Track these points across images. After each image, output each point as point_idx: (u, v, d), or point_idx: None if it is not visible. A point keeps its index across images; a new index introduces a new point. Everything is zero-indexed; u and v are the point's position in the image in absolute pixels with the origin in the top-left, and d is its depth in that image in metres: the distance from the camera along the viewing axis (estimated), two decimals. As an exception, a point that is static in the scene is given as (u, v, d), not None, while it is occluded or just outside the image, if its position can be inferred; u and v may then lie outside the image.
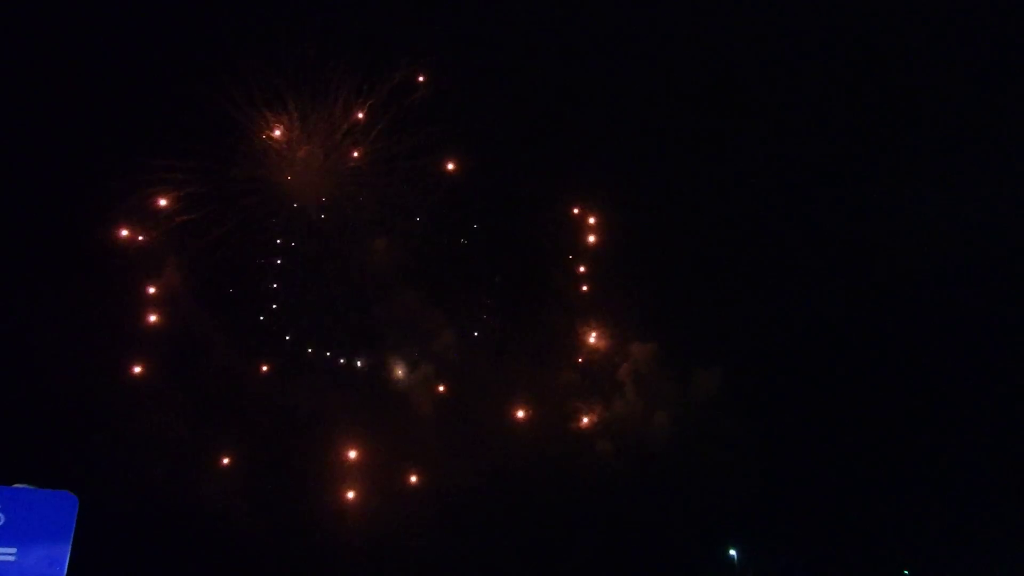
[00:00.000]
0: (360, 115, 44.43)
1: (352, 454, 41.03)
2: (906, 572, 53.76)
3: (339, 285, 43.74)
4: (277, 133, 42.33)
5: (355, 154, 44.80)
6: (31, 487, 7.11)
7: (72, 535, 7.17)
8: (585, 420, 52.61)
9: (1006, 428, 59.17)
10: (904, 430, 60.96)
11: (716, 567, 54.90)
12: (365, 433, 42.38)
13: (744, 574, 55.21)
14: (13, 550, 6.77)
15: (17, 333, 33.63)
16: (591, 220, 57.87)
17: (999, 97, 60.70)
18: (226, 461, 36.73)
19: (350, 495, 41.03)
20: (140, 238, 37.80)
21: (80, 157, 36.63)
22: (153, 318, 36.88)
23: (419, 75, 45.94)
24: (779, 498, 58.33)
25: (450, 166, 48.85)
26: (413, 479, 44.69)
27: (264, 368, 40.45)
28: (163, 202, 38.65)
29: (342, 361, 44.02)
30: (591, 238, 58.07)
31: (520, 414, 49.68)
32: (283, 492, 37.95)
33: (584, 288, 57.21)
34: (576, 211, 57.56)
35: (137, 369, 35.79)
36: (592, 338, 55.42)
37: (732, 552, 54.80)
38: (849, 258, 65.36)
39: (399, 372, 45.47)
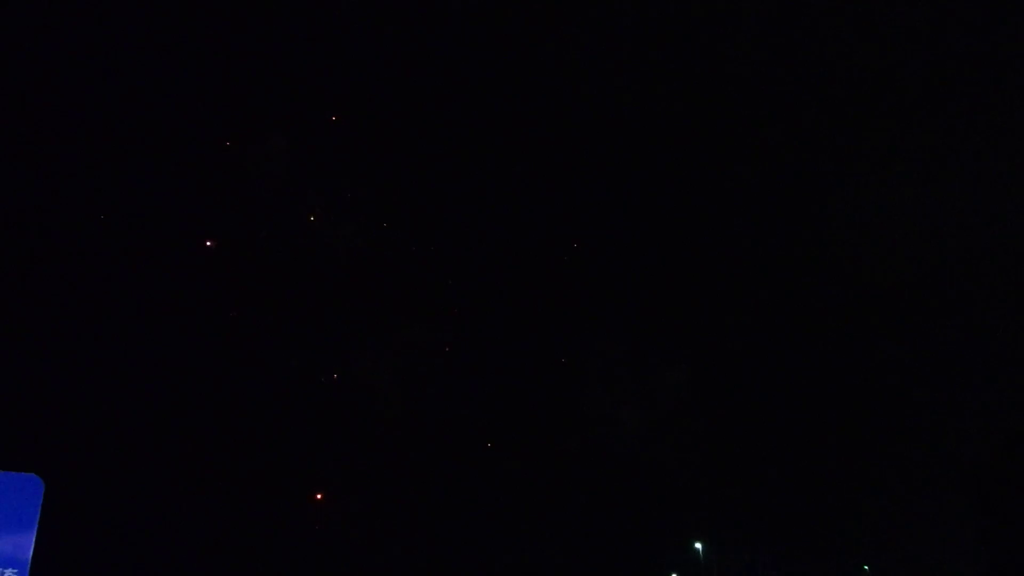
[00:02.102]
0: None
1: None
2: (866, 567, 54.68)
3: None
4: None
5: None
6: (-4, 470, 7.13)
7: (38, 519, 7.22)
8: (553, 417, 52.85)
9: (961, 432, 60.24)
10: (867, 429, 61.85)
11: (682, 561, 55.43)
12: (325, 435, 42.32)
13: (709, 568, 55.79)
14: (-22, 534, 6.83)
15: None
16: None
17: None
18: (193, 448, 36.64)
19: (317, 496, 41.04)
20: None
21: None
22: (122, 303, 36.67)
23: None
24: (744, 494, 59.05)
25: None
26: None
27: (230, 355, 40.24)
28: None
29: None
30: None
31: (491, 411, 49.86)
32: (247, 480, 37.84)
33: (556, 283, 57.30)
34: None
35: (105, 351, 35.62)
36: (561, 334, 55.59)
37: (698, 546, 55.34)
38: (819, 259, 66.09)
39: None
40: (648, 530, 51.99)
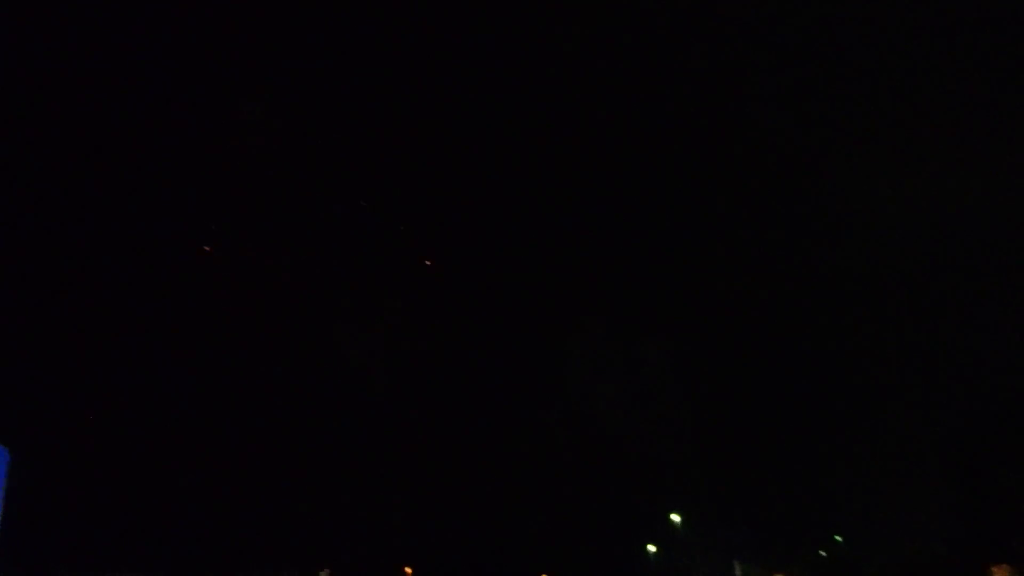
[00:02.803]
0: None
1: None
2: (838, 537, 55.32)
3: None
4: None
5: None
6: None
7: (3, 487, 7.20)
8: (534, 392, 52.99)
9: (933, 406, 61.00)
10: (842, 404, 62.49)
11: (659, 533, 55.93)
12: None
13: (686, 541, 56.34)
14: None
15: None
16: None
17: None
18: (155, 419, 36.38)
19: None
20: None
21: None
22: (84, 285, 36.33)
23: None
24: (721, 468, 59.56)
25: None
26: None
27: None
28: None
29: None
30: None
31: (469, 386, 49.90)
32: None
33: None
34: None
35: (70, 324, 35.29)
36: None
37: (675, 518, 55.85)
38: (798, 238, 66.39)
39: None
40: (626, 503, 52.41)
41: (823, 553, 51.05)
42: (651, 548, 55.99)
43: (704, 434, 59.12)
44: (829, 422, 62.03)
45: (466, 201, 58.59)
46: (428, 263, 52.49)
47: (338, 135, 48.49)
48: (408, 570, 47.94)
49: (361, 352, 46.11)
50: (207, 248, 39.93)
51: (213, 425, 38.39)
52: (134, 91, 38.38)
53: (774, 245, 64.97)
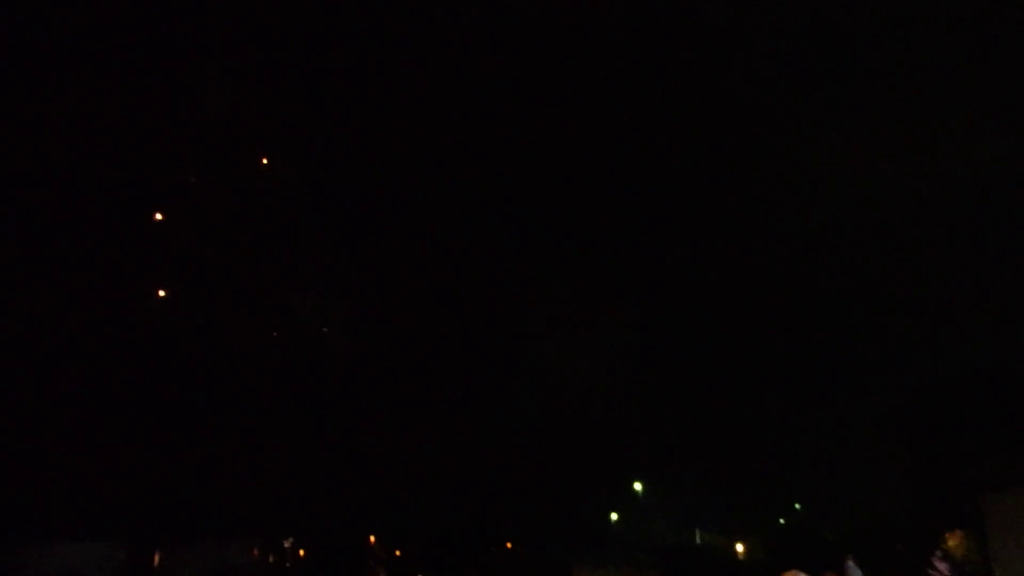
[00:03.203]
0: None
1: None
2: (797, 505, 56.46)
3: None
4: None
5: None
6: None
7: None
8: (497, 358, 53.10)
9: (889, 376, 62.26)
10: (800, 373, 63.52)
11: (621, 500, 56.64)
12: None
13: (648, 509, 57.11)
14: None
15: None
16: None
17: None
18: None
19: None
20: None
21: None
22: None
23: None
24: (683, 437, 60.34)
25: None
26: None
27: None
28: None
29: None
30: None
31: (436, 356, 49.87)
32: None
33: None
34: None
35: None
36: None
37: (637, 487, 56.56)
38: (760, 202, 67.04)
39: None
40: (589, 471, 52.93)
41: (783, 521, 52.07)
42: (613, 516, 56.73)
43: (666, 403, 59.80)
44: (788, 392, 63.04)
45: (430, 170, 58.24)
46: (395, 239, 52.21)
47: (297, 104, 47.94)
48: (372, 539, 48.06)
49: (322, 318, 45.78)
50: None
51: (171, 390, 37.85)
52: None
53: (735, 215, 65.56)
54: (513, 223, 60.38)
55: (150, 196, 38.48)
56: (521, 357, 54.99)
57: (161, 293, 38.92)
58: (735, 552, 48.22)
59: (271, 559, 44.55)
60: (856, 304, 64.84)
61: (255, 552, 40.04)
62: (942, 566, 11.74)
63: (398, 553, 49.70)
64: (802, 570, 13.95)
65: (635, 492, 56.29)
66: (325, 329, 45.87)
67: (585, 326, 56.91)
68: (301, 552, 46.69)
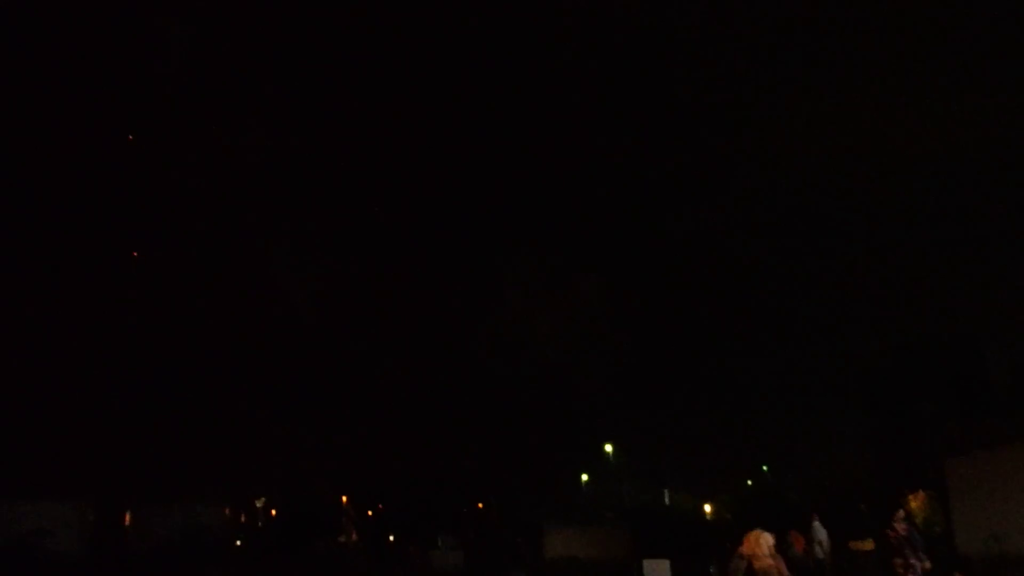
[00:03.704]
0: None
1: None
2: (764, 467, 57.46)
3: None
4: None
5: None
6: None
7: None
8: (468, 323, 53.11)
9: (852, 342, 63.18)
10: (767, 339, 64.29)
11: (592, 462, 57.21)
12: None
13: (618, 470, 57.76)
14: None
15: None
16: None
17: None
18: None
19: None
20: None
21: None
22: None
23: None
24: (652, 400, 60.99)
25: None
26: None
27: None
28: None
29: None
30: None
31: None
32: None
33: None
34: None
35: None
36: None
37: (607, 448, 57.10)
38: (729, 170, 67.32)
39: None
40: (559, 433, 53.30)
41: (750, 482, 52.93)
42: (583, 477, 57.32)
43: (635, 367, 60.27)
44: (755, 357, 63.78)
45: (402, 136, 57.75)
46: (369, 208, 51.86)
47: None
48: (344, 499, 48.27)
49: (293, 280, 45.50)
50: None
51: (143, 350, 37.54)
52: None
53: (705, 183, 65.82)
54: (484, 189, 60.14)
55: (121, 165, 37.91)
56: (492, 320, 55.06)
57: (134, 254, 38.43)
58: (703, 512, 48.99)
59: (243, 519, 44.62)
60: (821, 271, 65.60)
61: (227, 512, 40.06)
62: (903, 526, 12.01)
63: (370, 513, 50.00)
64: (768, 529, 14.19)
65: (605, 454, 56.84)
66: (297, 291, 45.56)
67: (555, 290, 57.08)
68: (273, 512, 46.82)
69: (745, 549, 14.30)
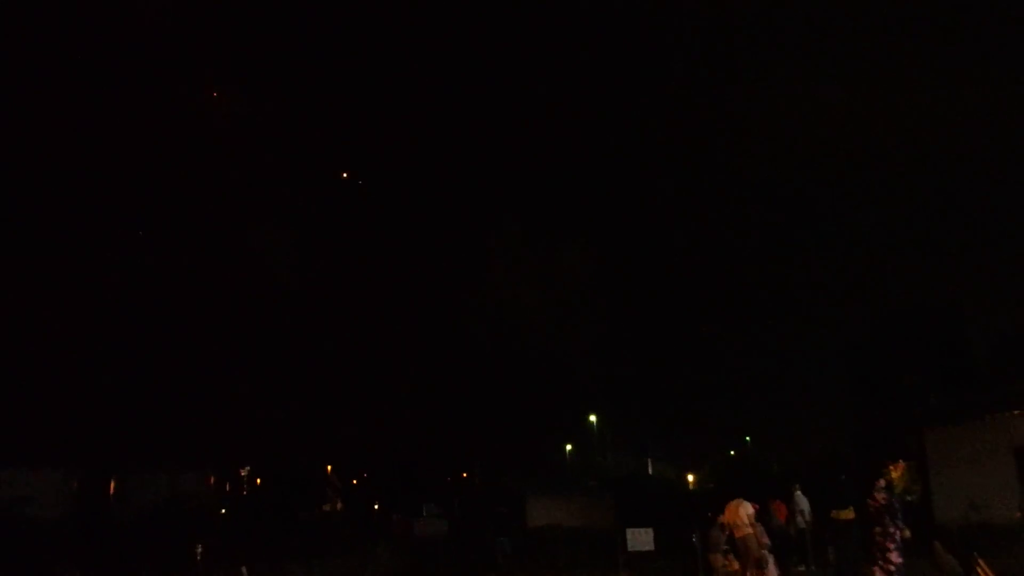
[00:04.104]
0: None
1: None
2: (747, 438, 58.02)
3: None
4: None
5: None
6: None
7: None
8: (454, 294, 53.07)
9: (837, 316, 63.43)
10: (753, 312, 64.50)
11: (576, 434, 57.54)
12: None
13: (602, 440, 58.17)
14: None
15: None
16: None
17: None
18: None
19: None
20: None
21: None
22: None
23: None
24: (637, 372, 61.20)
25: None
26: None
27: None
28: None
29: None
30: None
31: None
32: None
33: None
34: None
35: None
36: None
37: (591, 418, 57.46)
38: (714, 142, 67.16)
39: None
40: (545, 404, 53.51)
41: (732, 453, 53.41)
42: (568, 447, 57.67)
43: (621, 339, 60.42)
44: (740, 330, 64.01)
45: (387, 109, 57.25)
46: (346, 175, 51.54)
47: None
48: (328, 468, 48.34)
49: (277, 247, 45.28)
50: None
51: (126, 319, 37.33)
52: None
53: (696, 148, 65.70)
54: (470, 161, 59.81)
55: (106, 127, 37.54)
56: (477, 291, 55.03)
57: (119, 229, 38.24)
58: (686, 482, 49.46)
59: (227, 487, 44.64)
60: (806, 246, 65.72)
61: (211, 480, 40.06)
62: (883, 496, 12.12)
63: (355, 482, 50.14)
64: (750, 499, 14.29)
65: (589, 424, 57.18)
66: (281, 262, 45.38)
67: (540, 261, 57.05)
68: (258, 481, 46.87)
69: (726, 518, 14.42)
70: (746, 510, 14.09)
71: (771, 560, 13.98)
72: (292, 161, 47.60)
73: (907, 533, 11.90)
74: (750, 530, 13.91)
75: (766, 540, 14.01)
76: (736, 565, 14.75)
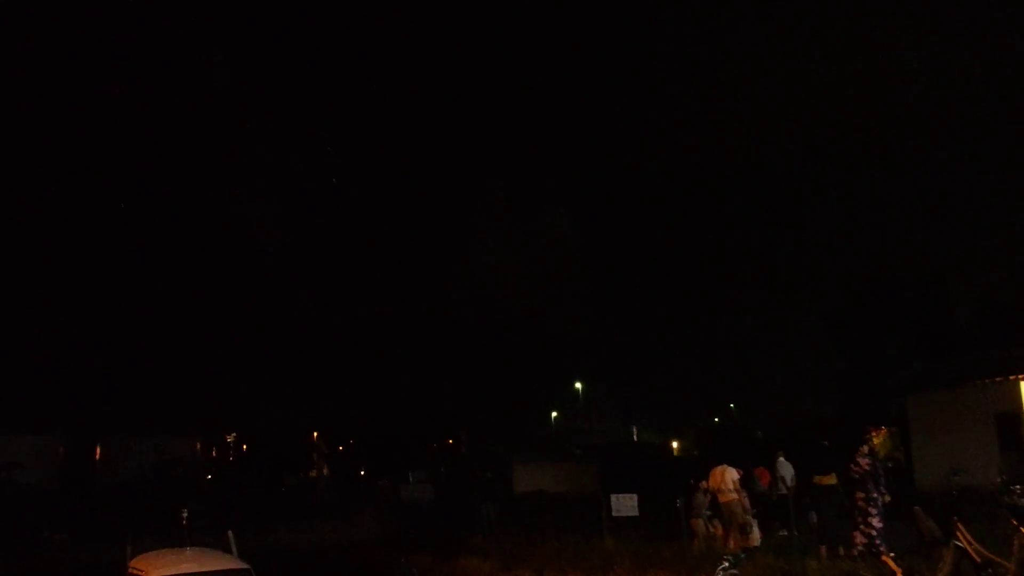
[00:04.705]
0: None
1: None
2: (732, 405, 58.45)
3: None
4: None
5: None
6: None
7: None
8: (438, 262, 52.99)
9: (821, 284, 63.70)
10: (736, 278, 64.64)
11: (562, 401, 57.86)
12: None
13: (587, 408, 58.47)
14: None
15: None
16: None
17: None
18: None
19: None
20: None
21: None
22: None
23: None
24: (621, 340, 61.40)
25: None
26: None
27: None
28: None
29: None
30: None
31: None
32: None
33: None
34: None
35: None
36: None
37: (578, 386, 57.75)
38: (698, 108, 66.90)
39: None
40: (531, 371, 53.74)
41: (717, 420, 53.84)
42: (553, 414, 58.00)
43: (606, 306, 60.57)
44: (724, 298, 64.21)
45: (371, 67, 56.61)
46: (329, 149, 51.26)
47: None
48: (315, 434, 48.52)
49: (267, 224, 45.08)
50: None
51: (115, 285, 37.15)
52: None
53: (679, 114, 65.47)
54: (453, 127, 59.33)
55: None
56: (463, 258, 55.02)
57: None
58: (670, 448, 49.81)
59: (214, 453, 44.76)
60: (790, 212, 65.74)
61: (198, 446, 40.12)
62: (866, 461, 12.24)
63: (341, 448, 50.34)
64: (734, 466, 14.41)
65: (575, 391, 57.46)
66: (266, 228, 45.15)
67: (525, 229, 57.00)
68: (244, 447, 47.00)
69: (710, 484, 14.54)
70: (732, 476, 14.23)
71: (755, 525, 14.14)
72: (276, 130, 47.22)
73: (887, 498, 12.04)
74: (735, 496, 14.05)
75: (749, 505, 14.17)
76: (720, 530, 14.92)
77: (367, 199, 51.35)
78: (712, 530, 15.40)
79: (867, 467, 12.10)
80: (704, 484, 14.90)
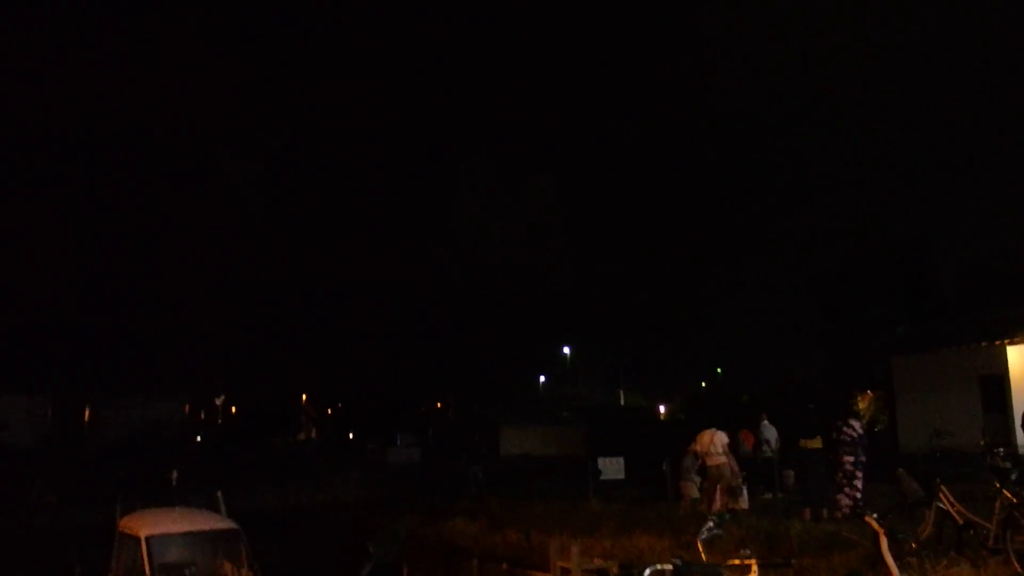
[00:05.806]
0: None
1: None
2: (719, 369, 58.72)
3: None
4: None
5: None
6: None
7: None
8: (425, 225, 52.84)
9: (805, 246, 63.89)
10: (722, 242, 64.75)
11: (550, 363, 58.03)
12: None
13: (575, 371, 58.69)
14: None
15: None
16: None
17: None
18: None
19: None
20: None
21: None
22: None
23: None
24: (609, 303, 61.54)
25: None
26: None
27: None
28: None
29: None
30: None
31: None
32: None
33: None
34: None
35: None
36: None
37: (566, 350, 57.90)
38: (683, 76, 66.55)
39: None
40: (518, 335, 53.85)
41: (703, 384, 54.10)
42: (541, 378, 58.25)
43: (594, 270, 60.63)
44: (711, 262, 64.31)
45: (360, 38, 55.95)
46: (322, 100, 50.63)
47: None
48: (304, 397, 48.61)
49: (253, 183, 44.74)
50: None
51: (104, 246, 36.92)
52: None
53: (657, 78, 65.09)
54: (440, 91, 58.83)
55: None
56: (450, 222, 54.90)
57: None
58: (657, 412, 50.11)
59: (202, 416, 44.83)
60: (775, 175, 65.71)
61: (186, 408, 40.20)
62: (857, 424, 12.39)
63: (329, 412, 50.47)
64: (719, 428, 14.50)
65: (562, 356, 57.64)
66: (252, 187, 44.84)
67: (511, 191, 56.85)
68: (233, 409, 47.06)
69: (698, 447, 14.63)
70: (721, 439, 14.32)
71: (744, 488, 14.28)
72: (262, 87, 46.69)
73: (863, 458, 12.25)
74: (723, 459, 14.16)
75: (737, 468, 14.29)
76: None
77: (356, 163, 51.03)
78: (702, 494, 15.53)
79: (859, 431, 12.25)
80: (692, 447, 15.01)
